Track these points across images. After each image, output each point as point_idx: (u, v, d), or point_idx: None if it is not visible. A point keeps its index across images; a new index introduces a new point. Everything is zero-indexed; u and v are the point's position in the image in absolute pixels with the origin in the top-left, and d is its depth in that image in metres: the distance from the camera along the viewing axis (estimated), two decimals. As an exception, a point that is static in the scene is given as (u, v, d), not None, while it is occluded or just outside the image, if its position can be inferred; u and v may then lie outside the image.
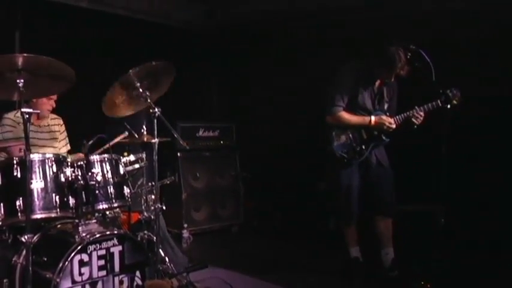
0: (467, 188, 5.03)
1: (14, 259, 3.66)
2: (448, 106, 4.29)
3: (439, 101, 4.38)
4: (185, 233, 6.26)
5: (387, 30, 5.49)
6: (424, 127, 4.51)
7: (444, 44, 5.00)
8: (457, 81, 4.43)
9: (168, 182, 4.78)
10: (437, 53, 4.20)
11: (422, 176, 5.18)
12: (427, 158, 4.85)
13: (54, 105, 4.61)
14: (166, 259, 4.34)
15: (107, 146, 4.08)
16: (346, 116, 4.69)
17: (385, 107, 4.77)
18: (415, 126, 4.55)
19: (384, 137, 4.70)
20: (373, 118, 4.65)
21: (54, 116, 4.77)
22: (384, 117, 4.63)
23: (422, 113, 4.51)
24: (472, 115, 4.76)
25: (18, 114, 4.42)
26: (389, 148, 4.80)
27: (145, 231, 4.27)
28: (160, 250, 4.20)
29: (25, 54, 3.10)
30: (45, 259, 3.50)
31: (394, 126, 4.59)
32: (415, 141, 4.97)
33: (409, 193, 5.10)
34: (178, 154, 6.51)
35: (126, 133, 4.52)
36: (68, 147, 4.83)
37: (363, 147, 4.69)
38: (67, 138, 4.88)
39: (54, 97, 4.56)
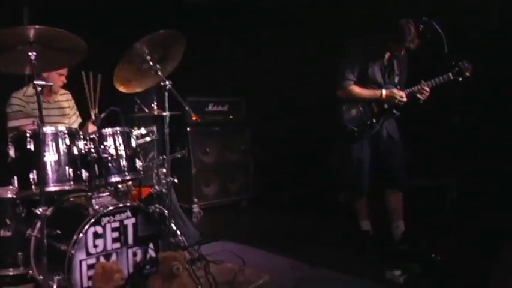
0: (480, 162, 4.99)
1: (28, 232, 3.70)
2: (460, 79, 4.27)
3: (450, 74, 4.36)
4: (195, 208, 6.29)
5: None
6: (436, 100, 4.48)
7: (456, 15, 4.91)
8: (469, 53, 4.39)
9: (179, 156, 4.78)
10: (449, 25, 4.17)
11: (434, 150, 5.17)
12: (439, 132, 4.85)
13: (65, 81, 4.61)
14: (178, 232, 4.38)
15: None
16: (356, 89, 4.67)
17: (396, 80, 4.74)
18: (421, 101, 4.53)
19: (394, 111, 4.68)
20: (384, 92, 4.63)
21: (63, 91, 4.76)
22: (395, 90, 4.60)
23: (427, 88, 4.49)
24: (485, 87, 4.72)
25: (29, 92, 4.42)
26: (401, 121, 4.78)
27: (157, 205, 4.30)
28: (172, 223, 4.23)
29: (37, 26, 3.07)
30: (60, 232, 3.53)
31: (405, 99, 4.57)
32: (426, 115, 4.94)
33: (421, 167, 5.08)
34: (188, 129, 6.51)
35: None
36: (79, 120, 4.83)
37: (374, 120, 4.68)
38: (77, 112, 4.86)
39: (65, 72, 4.56)
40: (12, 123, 4.34)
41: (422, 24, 4.26)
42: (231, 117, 7.02)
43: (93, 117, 4.25)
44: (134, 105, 4.76)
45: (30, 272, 3.69)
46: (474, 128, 4.66)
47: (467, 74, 4.26)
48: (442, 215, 4.69)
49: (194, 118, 6.13)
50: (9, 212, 3.77)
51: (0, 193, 3.81)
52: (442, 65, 4.34)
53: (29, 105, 4.38)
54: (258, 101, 7.08)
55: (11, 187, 3.68)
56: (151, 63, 4.00)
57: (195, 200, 6.37)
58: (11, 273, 3.76)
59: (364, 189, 4.86)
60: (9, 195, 3.75)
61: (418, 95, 4.51)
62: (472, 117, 4.45)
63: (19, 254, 3.73)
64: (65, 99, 4.75)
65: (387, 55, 4.68)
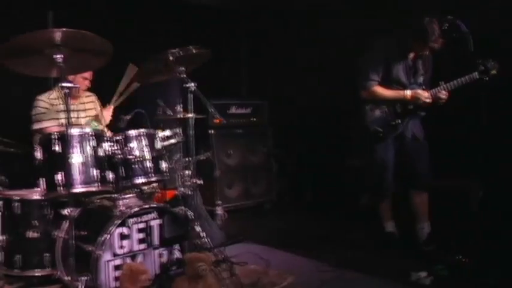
0: (507, 162, 4.92)
1: (55, 233, 3.75)
2: (487, 78, 4.22)
3: (475, 74, 4.29)
4: (219, 210, 6.28)
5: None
6: (463, 99, 4.43)
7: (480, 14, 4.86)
8: (495, 52, 4.35)
9: (204, 158, 4.80)
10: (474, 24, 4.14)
11: (459, 150, 5.11)
12: (465, 131, 4.79)
13: (90, 85, 4.66)
14: (203, 234, 4.38)
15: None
16: (380, 90, 4.64)
17: (421, 80, 4.69)
18: (441, 103, 4.50)
19: (419, 111, 4.64)
20: (408, 92, 4.59)
21: (87, 93, 4.82)
22: (419, 91, 4.56)
23: (445, 92, 4.46)
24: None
25: (53, 95, 4.48)
26: (426, 121, 4.74)
27: (182, 207, 4.30)
28: (197, 225, 4.24)
29: (64, 29, 3.12)
30: (86, 233, 3.56)
31: (430, 100, 4.51)
32: (452, 114, 4.90)
33: (446, 168, 5.02)
34: (211, 131, 6.52)
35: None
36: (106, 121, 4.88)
37: (398, 121, 4.64)
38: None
39: (90, 76, 4.61)
40: (36, 125, 4.41)
41: (447, 22, 4.22)
42: (253, 119, 7.00)
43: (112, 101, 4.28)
44: (157, 108, 4.78)
45: (57, 273, 3.73)
46: (501, 127, 4.60)
47: (494, 72, 4.19)
48: (468, 216, 4.64)
49: (217, 121, 6.19)
50: (37, 214, 3.82)
51: (27, 195, 3.87)
52: (468, 64, 4.29)
53: (53, 107, 4.44)
54: (280, 103, 7.06)
55: (38, 189, 3.74)
56: (176, 67, 4.02)
57: (219, 202, 6.35)
58: (37, 274, 3.82)
59: (389, 191, 4.83)
60: (37, 197, 3.80)
61: (439, 95, 4.47)
62: (499, 116, 4.39)
63: (46, 255, 3.79)
64: (89, 100, 4.80)
65: (412, 55, 4.63)
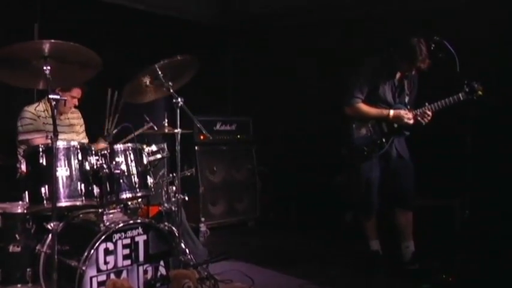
0: (491, 181, 4.97)
1: (37, 248, 3.67)
2: (474, 97, 4.26)
3: (460, 95, 4.33)
4: (202, 227, 6.25)
5: (408, 21, 5.44)
6: (447, 119, 4.47)
7: (466, 37, 4.92)
8: (481, 73, 4.39)
9: (189, 174, 4.79)
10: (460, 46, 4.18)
11: (444, 170, 5.15)
12: (449, 151, 4.84)
13: (77, 104, 4.62)
14: (187, 251, 4.34)
15: (132, 135, 4.04)
16: (364, 108, 4.66)
17: (406, 100, 4.73)
18: (423, 124, 4.53)
19: (404, 130, 4.66)
20: (391, 112, 4.62)
21: (73, 109, 4.77)
22: (402, 111, 4.59)
23: (429, 112, 4.49)
24: (496, 107, 4.73)
25: (39, 108, 4.43)
26: (411, 141, 4.76)
27: (166, 223, 4.26)
28: (182, 242, 4.20)
29: (52, 41, 3.08)
30: (70, 247, 3.49)
31: (412, 122, 4.57)
32: (437, 134, 4.93)
33: (430, 187, 5.05)
34: (196, 148, 6.50)
35: (151, 124, 4.50)
36: (86, 140, 4.82)
37: (383, 140, 4.66)
38: (84, 132, 4.87)
39: (78, 95, 4.57)
40: (22, 136, 4.35)
41: (433, 43, 4.26)
42: (238, 136, 7.00)
43: (105, 132, 4.24)
44: (143, 123, 4.75)
45: (39, 288, 3.66)
46: (486, 147, 4.64)
47: (480, 93, 4.23)
48: (453, 235, 4.67)
49: (202, 137, 6.18)
50: (19, 227, 3.71)
51: (10, 208, 3.78)
52: (454, 84, 4.33)
53: (40, 118, 4.40)
54: (266, 121, 7.07)
55: (20, 202, 3.68)
56: (163, 81, 3.99)
57: (202, 219, 6.34)
58: (19, 290, 3.73)
59: (374, 209, 4.83)
60: (19, 210, 3.72)
61: (419, 118, 4.50)
62: (483, 137, 4.44)
63: (28, 269, 3.67)
64: (75, 116, 4.76)
65: (398, 75, 4.67)
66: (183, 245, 4.26)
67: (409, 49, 4.39)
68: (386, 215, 4.81)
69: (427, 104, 4.49)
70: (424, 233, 4.80)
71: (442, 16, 5.33)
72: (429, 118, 4.51)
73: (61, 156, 3.45)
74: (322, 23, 6.57)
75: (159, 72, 3.92)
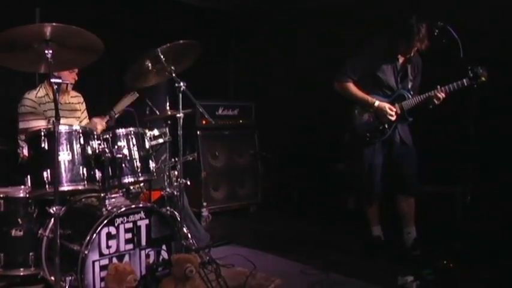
0: (493, 168, 4.96)
1: (39, 232, 3.69)
2: (475, 85, 4.23)
3: (465, 80, 4.29)
4: (204, 212, 6.26)
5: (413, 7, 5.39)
6: (450, 106, 4.45)
7: (472, 23, 4.88)
8: (484, 59, 4.36)
9: (191, 159, 4.78)
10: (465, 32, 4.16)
11: (446, 156, 5.13)
12: (452, 137, 4.82)
13: (76, 78, 4.57)
14: (189, 235, 4.35)
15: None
16: (352, 88, 4.67)
17: (409, 85, 4.69)
18: (430, 107, 4.50)
19: (407, 116, 4.64)
20: (376, 103, 4.60)
21: (74, 93, 4.73)
22: (387, 106, 4.57)
23: (443, 94, 4.43)
24: (500, 93, 4.70)
25: (40, 93, 4.39)
26: (413, 127, 4.74)
27: (168, 208, 4.26)
28: (184, 226, 4.20)
29: (54, 24, 3.06)
30: (72, 232, 3.51)
31: (393, 119, 4.57)
32: (440, 120, 4.92)
33: (432, 173, 5.04)
34: (198, 132, 6.49)
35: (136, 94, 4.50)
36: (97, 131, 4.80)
37: (386, 126, 4.64)
38: (87, 115, 4.84)
39: (76, 69, 4.53)
40: (23, 125, 4.30)
41: (437, 28, 4.23)
42: (240, 121, 6.98)
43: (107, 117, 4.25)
44: (145, 107, 4.74)
45: (41, 272, 3.68)
46: (489, 133, 4.62)
47: (483, 79, 4.20)
48: (454, 221, 4.67)
49: (204, 121, 6.17)
50: (21, 212, 3.74)
51: (12, 192, 3.80)
52: (457, 70, 4.30)
53: (40, 106, 4.35)
54: (268, 106, 7.05)
55: (22, 187, 3.69)
56: (165, 65, 3.97)
57: (204, 204, 6.34)
58: (21, 274, 3.75)
59: (376, 195, 4.83)
60: (22, 195, 3.74)
61: (434, 100, 4.46)
62: (486, 122, 4.41)
63: (30, 254, 3.72)
64: (76, 101, 4.73)
65: (401, 59, 4.63)
66: (185, 229, 4.28)
67: (406, 28, 4.35)
68: (388, 201, 4.80)
69: (438, 86, 4.43)
70: (426, 219, 4.79)
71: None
72: (441, 100, 4.45)
73: (63, 140, 3.44)
74: (325, 7, 6.52)
75: (162, 57, 3.91)
